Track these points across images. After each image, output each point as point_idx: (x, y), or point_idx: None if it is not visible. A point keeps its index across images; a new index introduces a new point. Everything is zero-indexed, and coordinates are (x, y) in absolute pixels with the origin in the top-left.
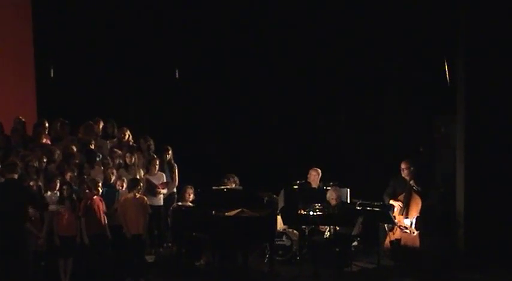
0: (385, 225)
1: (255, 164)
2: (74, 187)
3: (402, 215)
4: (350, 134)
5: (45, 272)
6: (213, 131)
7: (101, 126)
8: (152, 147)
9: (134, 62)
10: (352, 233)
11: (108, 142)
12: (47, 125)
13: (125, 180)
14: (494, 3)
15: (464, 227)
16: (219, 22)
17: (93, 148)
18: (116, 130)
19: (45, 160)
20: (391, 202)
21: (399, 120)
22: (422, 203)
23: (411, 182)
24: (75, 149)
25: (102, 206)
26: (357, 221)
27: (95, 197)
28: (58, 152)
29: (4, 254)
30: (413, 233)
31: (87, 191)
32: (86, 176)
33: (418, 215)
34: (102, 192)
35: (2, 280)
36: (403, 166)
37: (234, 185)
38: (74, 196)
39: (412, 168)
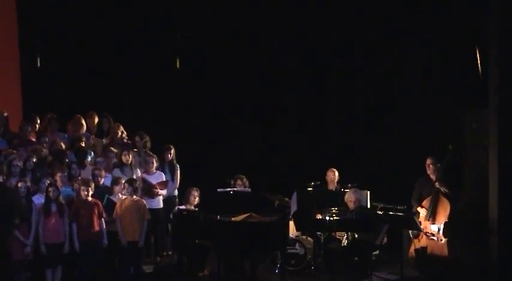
0: (410, 231)
1: (265, 164)
2: (66, 188)
3: (429, 220)
4: (370, 130)
5: None
6: (218, 127)
7: (95, 122)
8: (148, 144)
9: (130, 51)
10: (375, 243)
11: (103, 140)
12: (38, 121)
13: (122, 182)
14: None
15: (498, 235)
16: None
17: (83, 145)
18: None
19: (34, 160)
20: (418, 209)
21: (425, 115)
22: (451, 207)
23: (437, 183)
24: (64, 147)
25: (97, 210)
26: (381, 229)
27: (88, 199)
28: (45, 151)
29: None
30: (441, 240)
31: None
32: (80, 177)
33: (446, 220)
34: (104, 201)
35: None
36: (428, 161)
37: (242, 188)
38: (61, 198)
39: (438, 164)
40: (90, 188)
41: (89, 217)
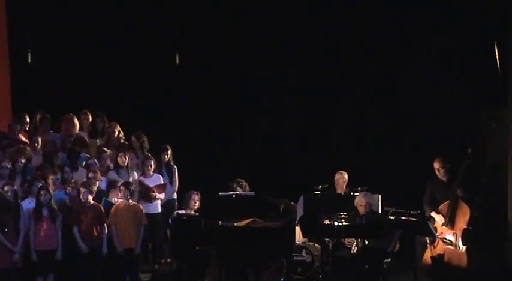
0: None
1: (269, 166)
2: (59, 192)
3: (447, 226)
4: (381, 131)
5: None
6: (220, 126)
7: (89, 121)
8: (146, 145)
9: (127, 46)
10: (387, 250)
11: (97, 140)
12: (27, 120)
13: (118, 185)
14: None
15: None
16: None
17: (85, 145)
18: (106, 126)
19: (23, 161)
20: (433, 214)
21: (440, 114)
22: (470, 213)
23: (457, 189)
24: (57, 148)
25: (99, 214)
26: (393, 235)
27: (88, 203)
28: (28, 151)
29: None
30: (459, 248)
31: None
32: (72, 180)
33: (465, 227)
34: (101, 204)
35: None
36: (436, 165)
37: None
38: (52, 202)
39: (448, 165)
40: (90, 191)
41: (89, 222)
